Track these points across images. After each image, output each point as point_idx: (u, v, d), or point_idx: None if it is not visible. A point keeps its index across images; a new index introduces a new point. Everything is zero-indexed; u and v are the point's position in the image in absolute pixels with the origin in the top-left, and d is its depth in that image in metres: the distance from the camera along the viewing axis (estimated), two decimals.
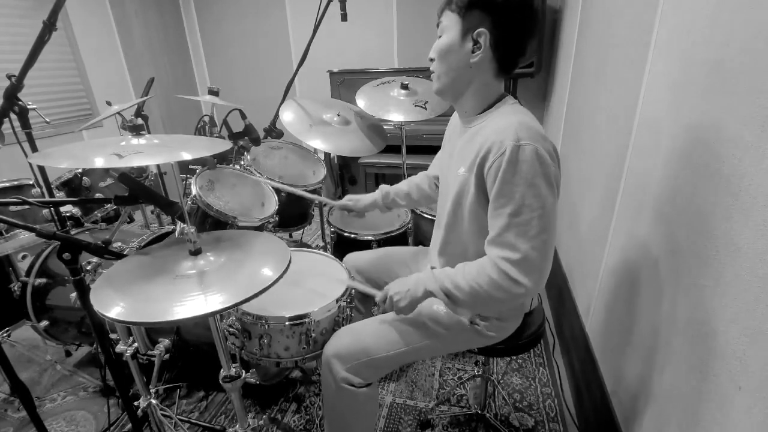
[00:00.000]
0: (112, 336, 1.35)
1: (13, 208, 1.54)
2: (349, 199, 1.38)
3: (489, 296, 0.86)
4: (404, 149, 2.02)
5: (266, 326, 1.10)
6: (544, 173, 0.81)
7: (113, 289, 0.76)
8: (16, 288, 1.59)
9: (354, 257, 1.38)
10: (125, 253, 0.89)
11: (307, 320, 1.10)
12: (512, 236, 0.83)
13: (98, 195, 1.99)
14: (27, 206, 1.53)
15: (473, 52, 0.88)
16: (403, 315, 1.02)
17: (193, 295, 0.73)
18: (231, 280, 0.78)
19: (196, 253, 0.85)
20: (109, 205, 1.96)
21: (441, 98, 1.01)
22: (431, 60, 0.96)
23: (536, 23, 0.89)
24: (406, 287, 0.98)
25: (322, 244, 2.22)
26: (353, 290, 1.28)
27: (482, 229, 0.92)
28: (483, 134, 0.89)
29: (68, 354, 1.90)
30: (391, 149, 2.02)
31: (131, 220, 2.31)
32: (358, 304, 1.37)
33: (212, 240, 0.93)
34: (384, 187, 1.37)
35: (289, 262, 0.82)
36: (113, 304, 0.71)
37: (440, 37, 0.93)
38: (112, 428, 1.47)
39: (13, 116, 1.25)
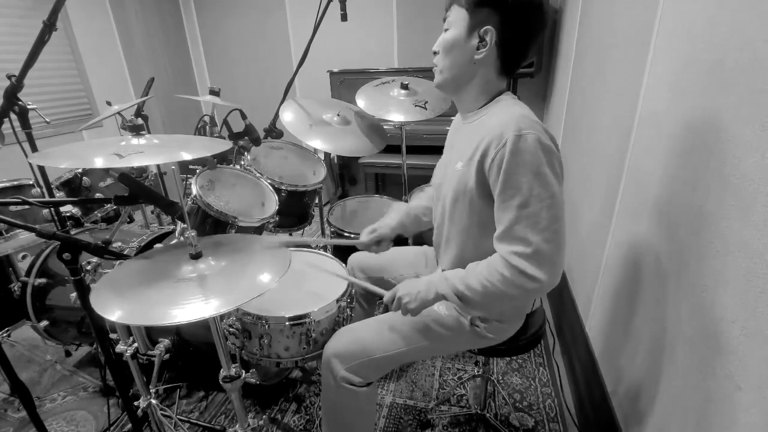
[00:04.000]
0: (112, 336, 1.35)
1: (13, 208, 1.54)
2: (372, 231, 1.20)
3: (503, 294, 0.84)
4: (404, 149, 2.02)
5: (266, 326, 1.10)
6: (549, 161, 0.80)
7: (114, 292, 0.76)
8: (16, 288, 1.59)
9: (358, 257, 1.38)
10: (125, 253, 0.89)
11: (307, 320, 1.10)
12: (522, 229, 0.80)
13: (98, 195, 1.99)
14: (27, 206, 1.54)
15: (478, 49, 0.88)
16: (410, 316, 1.00)
17: (193, 298, 0.73)
18: (231, 283, 0.78)
19: (196, 257, 0.85)
20: (109, 205, 1.96)
21: (441, 92, 1.00)
22: (435, 53, 0.95)
23: (544, 26, 0.89)
24: (417, 289, 0.95)
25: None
26: (353, 290, 1.28)
27: (482, 223, 0.92)
28: (483, 128, 0.89)
29: (68, 354, 1.90)
30: (391, 149, 2.02)
31: (131, 220, 2.31)
32: (363, 301, 1.37)
33: (212, 244, 0.93)
34: (401, 206, 1.28)
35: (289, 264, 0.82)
36: (114, 307, 0.71)
37: (446, 30, 0.92)
38: (112, 428, 1.47)
39: (13, 116, 1.26)
